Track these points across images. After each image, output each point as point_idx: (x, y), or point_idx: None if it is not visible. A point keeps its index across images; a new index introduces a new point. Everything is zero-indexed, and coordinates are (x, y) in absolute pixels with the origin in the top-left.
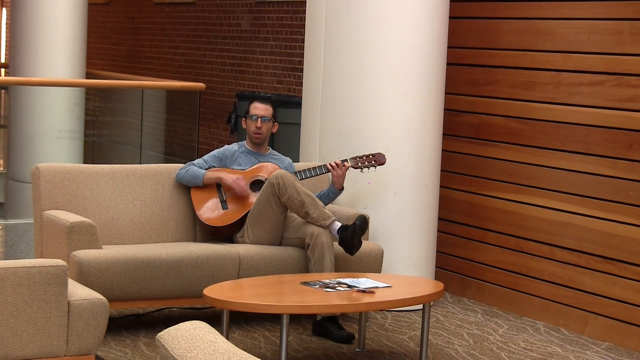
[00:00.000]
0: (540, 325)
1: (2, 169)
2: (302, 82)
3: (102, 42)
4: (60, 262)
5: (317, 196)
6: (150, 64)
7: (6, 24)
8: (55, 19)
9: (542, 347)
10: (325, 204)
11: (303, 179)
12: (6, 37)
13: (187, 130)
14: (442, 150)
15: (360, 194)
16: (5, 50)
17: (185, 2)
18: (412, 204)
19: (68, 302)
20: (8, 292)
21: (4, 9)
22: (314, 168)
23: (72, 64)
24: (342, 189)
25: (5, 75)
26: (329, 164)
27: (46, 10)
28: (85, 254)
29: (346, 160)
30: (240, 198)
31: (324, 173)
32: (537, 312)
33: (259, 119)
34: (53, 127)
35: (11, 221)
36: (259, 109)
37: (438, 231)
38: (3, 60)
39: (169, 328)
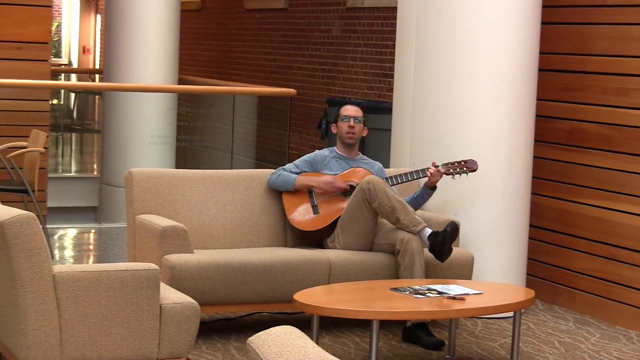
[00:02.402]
0: (633, 334)
1: (96, 173)
2: (392, 88)
3: (194, 48)
4: (152, 266)
5: (410, 199)
6: (241, 70)
7: (101, 30)
8: (149, 25)
9: (635, 357)
10: (420, 205)
11: (394, 184)
12: (101, 44)
13: (278, 136)
14: (534, 156)
15: (450, 200)
16: (100, 56)
17: (276, 8)
18: (503, 211)
19: (160, 305)
20: (102, 295)
21: (99, 16)
22: (405, 174)
23: (165, 70)
24: (434, 187)
25: (99, 82)
26: (428, 171)
27: (140, 17)
28: (177, 258)
29: (438, 165)
30: (332, 204)
31: (414, 179)
32: (630, 321)
33: (351, 119)
34: (146, 132)
35: (104, 225)
36: (350, 110)
37: (529, 238)
38: (98, 67)
39: (260, 332)
